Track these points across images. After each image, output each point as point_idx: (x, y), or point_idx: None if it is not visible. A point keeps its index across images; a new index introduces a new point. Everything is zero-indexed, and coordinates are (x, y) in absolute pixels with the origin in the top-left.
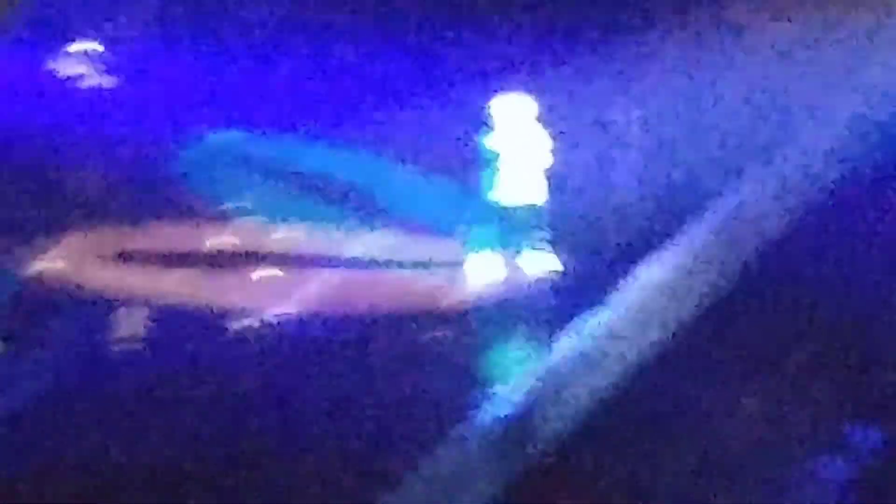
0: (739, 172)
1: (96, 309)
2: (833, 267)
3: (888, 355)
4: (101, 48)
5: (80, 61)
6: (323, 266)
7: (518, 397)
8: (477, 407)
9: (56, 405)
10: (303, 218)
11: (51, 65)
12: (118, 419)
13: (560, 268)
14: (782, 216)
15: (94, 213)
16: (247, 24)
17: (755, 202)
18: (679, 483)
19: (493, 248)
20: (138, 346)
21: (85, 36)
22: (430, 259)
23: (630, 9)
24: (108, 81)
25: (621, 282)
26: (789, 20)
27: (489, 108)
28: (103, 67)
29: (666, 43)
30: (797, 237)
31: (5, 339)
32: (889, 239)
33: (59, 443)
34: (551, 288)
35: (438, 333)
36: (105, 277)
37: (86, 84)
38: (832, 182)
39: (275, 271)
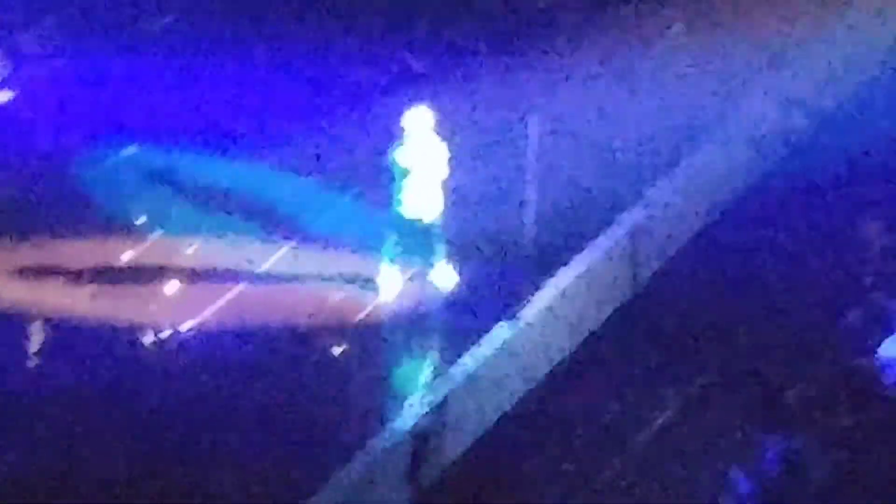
0: (643, 186)
1: (4, 323)
2: (735, 280)
3: (786, 366)
4: (11, 60)
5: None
6: (233, 280)
7: (425, 407)
8: (386, 417)
9: None
10: (213, 232)
11: None
12: (21, 429)
13: (463, 280)
14: (685, 229)
15: (4, 227)
16: (154, 38)
17: (658, 215)
18: (583, 490)
19: (400, 262)
20: (44, 359)
21: None
22: (339, 273)
23: (536, 26)
24: (17, 94)
25: (525, 293)
26: (695, 36)
27: (398, 122)
28: (11, 80)
29: (572, 58)
30: (700, 250)
31: None
32: (792, 251)
33: None
34: (456, 300)
35: (346, 346)
36: (11, 294)
37: None
38: (735, 194)
39: (186, 285)
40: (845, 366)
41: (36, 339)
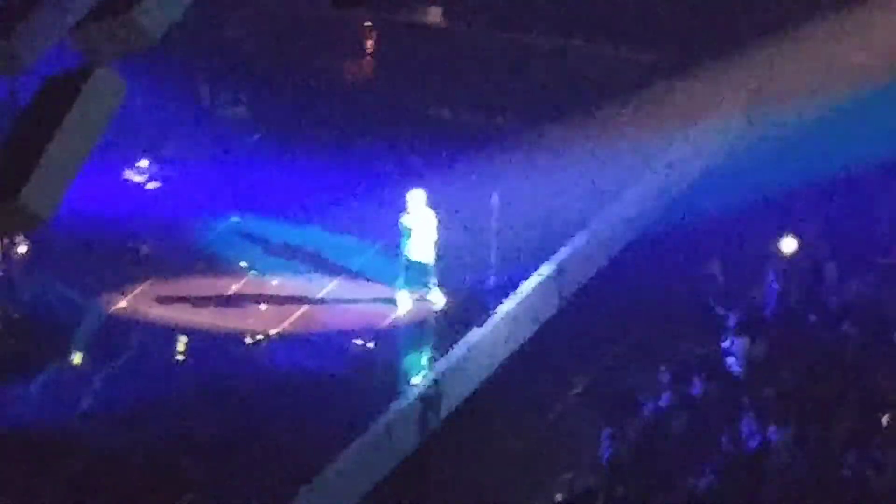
0: (564, 238)
1: (155, 335)
2: (636, 295)
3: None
4: (158, 164)
5: (143, 172)
6: (301, 303)
7: (428, 382)
8: (401, 388)
9: (125, 402)
10: (288, 272)
11: (127, 174)
12: (170, 409)
13: (447, 301)
14: (591, 273)
15: (152, 270)
16: (247, 147)
17: (582, 252)
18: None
19: (409, 289)
20: (182, 358)
21: (148, 154)
22: (370, 296)
23: (491, 139)
24: (162, 185)
25: (490, 309)
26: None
27: (405, 198)
28: (159, 176)
29: (517, 160)
30: (612, 277)
31: (90, 355)
32: (656, 284)
33: (129, 426)
34: (445, 313)
35: (376, 342)
36: (158, 313)
37: (148, 186)
38: (630, 242)
39: (271, 306)
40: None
41: (175, 343)
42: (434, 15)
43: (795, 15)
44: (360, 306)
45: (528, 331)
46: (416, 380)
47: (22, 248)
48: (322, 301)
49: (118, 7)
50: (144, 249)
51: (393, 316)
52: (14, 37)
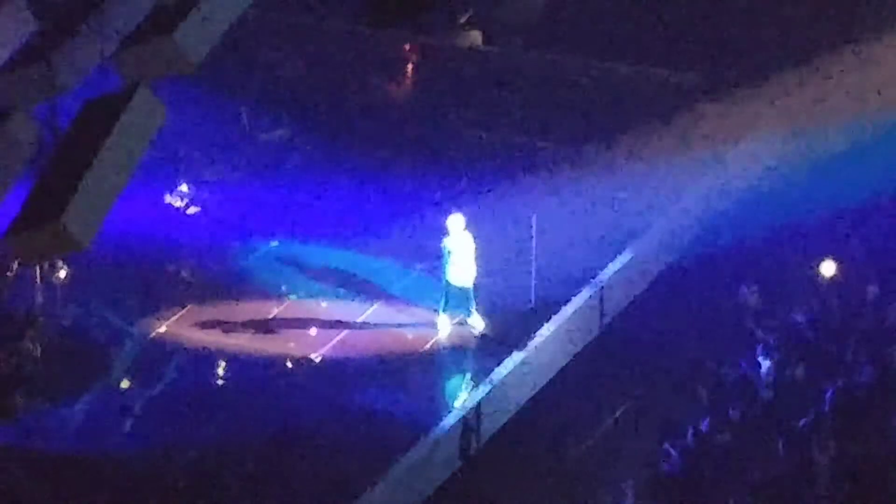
0: (603, 262)
1: (195, 359)
2: (676, 318)
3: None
4: (197, 188)
5: (184, 196)
6: (342, 327)
7: (469, 405)
8: (442, 411)
9: (165, 426)
10: (328, 296)
11: (167, 198)
12: (210, 433)
13: (487, 325)
14: (641, 286)
15: (192, 295)
16: (287, 171)
17: (622, 276)
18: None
19: (449, 313)
20: (223, 382)
21: (188, 178)
22: (411, 320)
23: (530, 164)
24: (201, 209)
25: (531, 332)
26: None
27: (445, 223)
28: (199, 200)
29: (552, 186)
30: (652, 300)
31: (130, 379)
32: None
33: (170, 450)
34: (486, 337)
35: (418, 366)
36: (199, 338)
37: (189, 211)
38: (677, 259)
39: (312, 330)
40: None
41: (215, 368)
42: (474, 38)
43: (835, 39)
44: (400, 330)
45: (568, 354)
46: (457, 404)
47: (62, 273)
48: (362, 325)
49: (159, 30)
50: (185, 274)
51: (433, 340)
52: (55, 61)
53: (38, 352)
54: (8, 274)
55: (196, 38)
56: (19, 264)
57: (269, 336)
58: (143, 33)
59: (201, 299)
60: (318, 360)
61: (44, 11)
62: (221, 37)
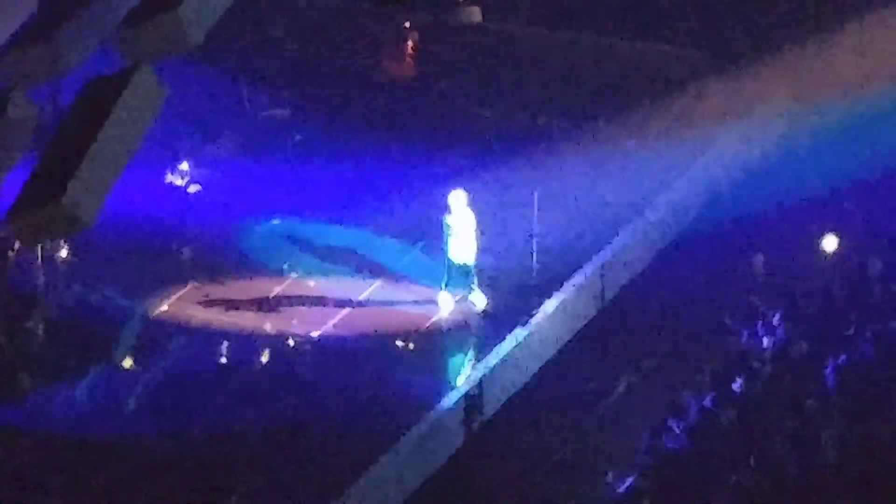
0: (606, 238)
1: (198, 338)
2: (679, 293)
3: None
4: (198, 166)
5: (185, 175)
6: (343, 305)
7: (471, 382)
8: (445, 388)
9: (169, 405)
10: (330, 274)
11: (168, 177)
12: (214, 412)
13: (489, 302)
14: (644, 261)
15: (193, 273)
16: (287, 149)
17: (625, 251)
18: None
19: (451, 290)
20: (226, 360)
21: (189, 157)
22: (412, 298)
23: (533, 140)
24: (202, 188)
25: (532, 308)
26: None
27: (447, 199)
28: (200, 178)
29: (555, 161)
30: (655, 275)
31: (134, 358)
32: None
33: (174, 429)
34: (488, 314)
35: (419, 343)
36: (202, 316)
37: (189, 189)
38: (680, 233)
39: (313, 308)
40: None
41: (220, 345)
42: (474, 14)
43: (841, 12)
44: (402, 308)
45: (570, 330)
46: (460, 381)
47: (64, 252)
48: (364, 303)
49: (161, 7)
50: (186, 252)
51: (435, 317)
52: (56, 40)
53: (43, 332)
54: (10, 255)
55: (198, 15)
56: (21, 245)
57: (271, 314)
58: (144, 11)
59: (203, 278)
60: (320, 338)
61: None
62: (222, 15)
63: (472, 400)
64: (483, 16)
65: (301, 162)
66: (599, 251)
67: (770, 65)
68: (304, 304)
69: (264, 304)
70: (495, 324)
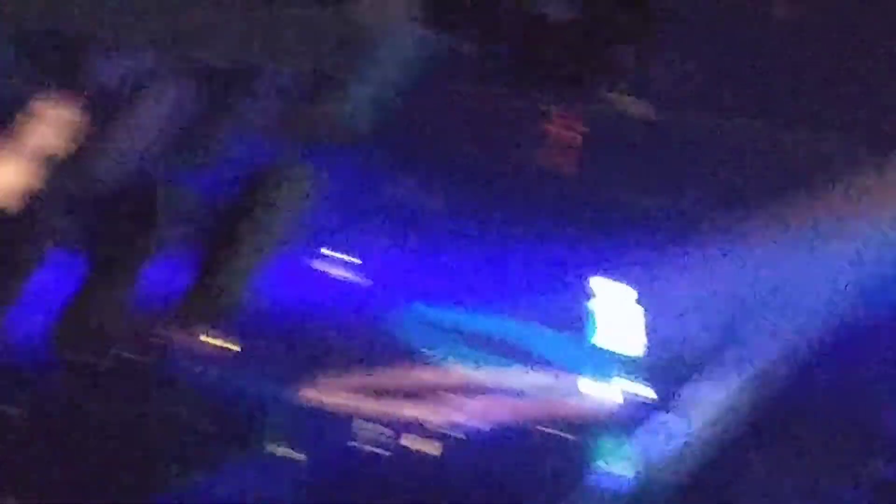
0: (755, 321)
1: (338, 426)
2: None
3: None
4: (347, 255)
5: (334, 263)
6: (493, 393)
7: (618, 485)
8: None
9: (318, 487)
10: (479, 362)
11: (312, 262)
12: (355, 491)
13: (639, 389)
14: (787, 361)
15: (337, 359)
16: (433, 241)
17: (769, 346)
18: None
19: (599, 379)
20: (366, 448)
21: (338, 246)
22: (560, 387)
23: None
24: (351, 276)
25: (679, 399)
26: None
27: (594, 285)
28: (349, 266)
29: (714, 240)
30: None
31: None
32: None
33: None
34: (639, 406)
35: (566, 434)
36: (345, 404)
37: (340, 277)
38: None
39: (457, 396)
40: None
41: (362, 432)
42: (644, 107)
43: None
44: (548, 396)
45: (725, 417)
46: (625, 470)
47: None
48: (509, 391)
49: (327, 97)
50: (330, 338)
51: (584, 406)
52: (214, 130)
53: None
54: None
55: (365, 109)
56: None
57: (414, 402)
58: (309, 98)
59: (345, 363)
60: (464, 427)
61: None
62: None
63: (623, 495)
64: (642, 105)
65: (453, 249)
66: (751, 339)
67: None
68: (446, 392)
69: (406, 392)
70: (647, 412)
